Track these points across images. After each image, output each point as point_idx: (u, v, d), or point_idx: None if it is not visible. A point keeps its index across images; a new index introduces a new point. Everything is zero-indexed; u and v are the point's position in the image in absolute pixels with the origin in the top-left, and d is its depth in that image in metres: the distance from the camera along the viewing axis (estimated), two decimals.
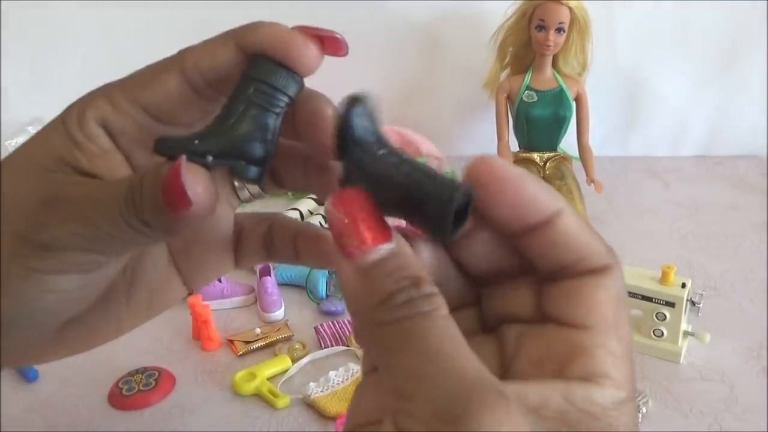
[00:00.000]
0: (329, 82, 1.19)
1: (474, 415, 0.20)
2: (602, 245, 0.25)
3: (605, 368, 0.23)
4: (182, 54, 0.30)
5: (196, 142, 0.26)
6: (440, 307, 0.22)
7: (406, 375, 0.21)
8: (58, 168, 0.27)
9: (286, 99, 0.27)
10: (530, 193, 0.23)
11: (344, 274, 0.22)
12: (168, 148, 0.25)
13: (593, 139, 0.93)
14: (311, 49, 0.28)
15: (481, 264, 0.25)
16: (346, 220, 0.22)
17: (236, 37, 0.29)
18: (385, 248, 0.22)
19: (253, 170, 0.26)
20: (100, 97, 0.29)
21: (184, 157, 0.24)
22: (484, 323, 0.26)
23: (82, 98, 0.29)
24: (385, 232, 0.22)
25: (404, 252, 0.22)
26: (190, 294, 0.58)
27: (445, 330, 0.21)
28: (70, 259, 0.27)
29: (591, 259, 0.24)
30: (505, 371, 0.24)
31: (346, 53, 0.29)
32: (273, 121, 0.27)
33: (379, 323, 0.21)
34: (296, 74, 0.28)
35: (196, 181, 0.24)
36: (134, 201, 0.25)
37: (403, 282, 0.21)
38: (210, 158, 0.25)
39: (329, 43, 0.29)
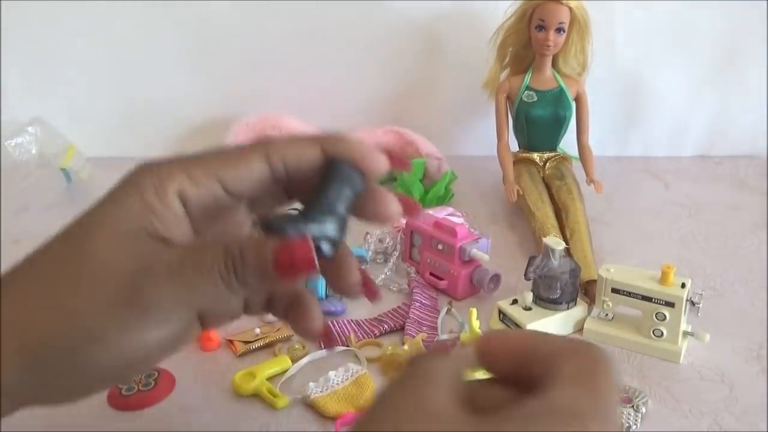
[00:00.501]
0: (330, 82, 1.20)
1: None
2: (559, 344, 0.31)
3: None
4: (269, 144, 0.35)
5: (301, 223, 0.34)
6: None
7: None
8: (140, 234, 0.32)
9: (353, 195, 0.36)
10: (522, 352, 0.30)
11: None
12: (279, 226, 0.33)
13: (593, 139, 0.93)
14: (382, 162, 0.36)
15: None
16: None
17: (324, 143, 0.35)
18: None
19: (331, 249, 0.35)
20: (178, 170, 0.33)
21: (310, 237, 0.33)
22: None
23: (155, 170, 0.34)
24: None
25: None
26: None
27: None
28: (167, 316, 0.32)
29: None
30: None
31: (410, 168, 0.39)
32: (346, 212, 0.36)
33: None
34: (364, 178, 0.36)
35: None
36: (234, 265, 0.32)
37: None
38: (310, 237, 0.33)
39: (395, 159, 0.37)
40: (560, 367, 0.28)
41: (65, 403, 0.36)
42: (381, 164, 0.36)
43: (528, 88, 0.91)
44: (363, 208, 0.36)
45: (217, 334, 0.65)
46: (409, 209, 0.38)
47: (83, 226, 0.33)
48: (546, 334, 0.31)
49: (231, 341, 0.65)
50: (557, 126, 0.92)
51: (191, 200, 0.33)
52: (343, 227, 0.36)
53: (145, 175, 0.33)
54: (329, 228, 0.34)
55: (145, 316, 0.32)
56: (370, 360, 0.64)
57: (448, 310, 0.71)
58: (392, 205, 0.37)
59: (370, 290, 0.39)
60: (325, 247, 0.34)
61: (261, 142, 0.35)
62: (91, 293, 0.31)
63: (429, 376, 0.28)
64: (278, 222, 0.33)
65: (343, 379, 0.60)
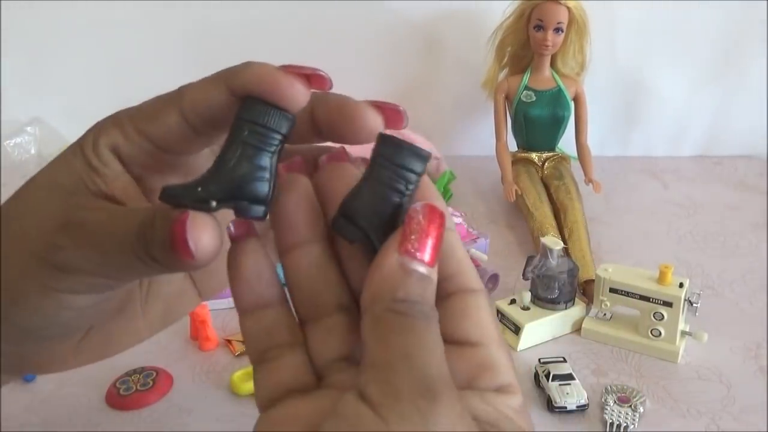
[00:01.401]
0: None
1: (439, 406, 0.23)
2: (472, 269, 0.28)
3: (508, 379, 0.27)
4: (181, 91, 0.31)
5: (199, 189, 0.27)
6: (437, 321, 0.25)
7: (397, 353, 0.24)
8: (79, 190, 0.29)
9: (279, 137, 0.28)
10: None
11: (386, 263, 0.25)
12: (173, 197, 0.26)
13: (592, 139, 0.93)
14: (297, 87, 0.28)
15: None
16: (428, 230, 0.26)
17: (226, 78, 0.29)
18: (431, 270, 0.26)
19: (257, 209, 0.28)
20: (111, 125, 0.30)
21: (189, 212, 0.26)
22: None
23: (97, 124, 0.30)
24: (436, 259, 0.26)
25: (435, 281, 0.26)
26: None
27: (435, 335, 0.25)
28: (83, 281, 0.29)
29: (465, 280, 0.27)
30: None
31: (331, 87, 0.31)
32: (269, 160, 0.28)
33: (391, 310, 0.25)
34: (287, 112, 0.28)
35: (200, 231, 0.26)
36: (146, 238, 0.27)
37: (424, 298, 0.25)
38: (213, 203, 0.26)
39: (315, 80, 0.30)
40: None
41: (12, 374, 0.34)
42: (295, 90, 0.28)
43: (526, 87, 0.91)
44: (330, 128, 0.30)
45: (215, 334, 0.66)
46: (392, 117, 0.30)
47: (26, 183, 0.30)
48: None
49: (229, 341, 0.65)
50: (556, 126, 0.92)
51: (126, 156, 0.30)
52: (266, 177, 0.28)
53: (90, 131, 0.30)
54: (244, 183, 0.27)
55: (62, 277, 0.28)
56: None
57: None
58: (368, 117, 0.30)
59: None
60: (253, 210, 0.27)
61: (178, 90, 0.31)
62: (14, 251, 0.29)
63: None
64: (173, 190, 0.26)
65: None
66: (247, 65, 0.29)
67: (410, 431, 0.22)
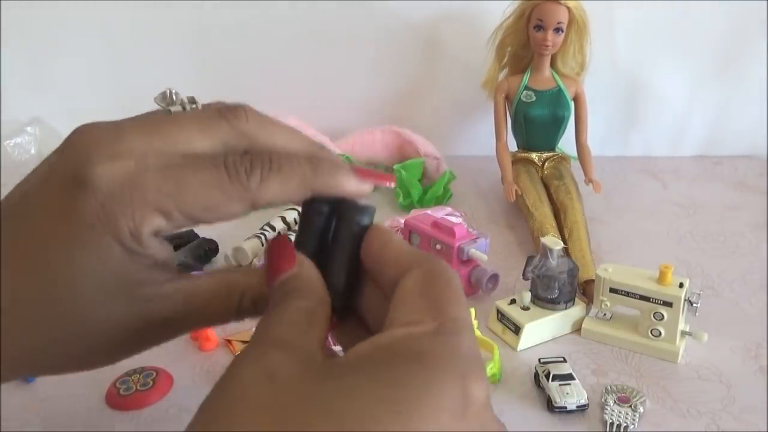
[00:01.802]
0: (329, 81, 1.20)
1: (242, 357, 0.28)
2: (415, 255, 0.32)
3: (409, 318, 0.28)
4: (254, 190, 0.32)
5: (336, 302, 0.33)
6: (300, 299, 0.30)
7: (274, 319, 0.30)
8: (126, 287, 0.31)
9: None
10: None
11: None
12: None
13: (592, 139, 0.93)
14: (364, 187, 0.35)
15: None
16: (270, 257, 0.32)
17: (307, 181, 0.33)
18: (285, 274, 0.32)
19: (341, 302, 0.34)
20: (153, 211, 0.30)
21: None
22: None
23: (128, 203, 0.30)
24: (286, 266, 0.32)
25: (300, 274, 0.32)
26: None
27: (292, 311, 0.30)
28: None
29: (401, 269, 0.31)
30: None
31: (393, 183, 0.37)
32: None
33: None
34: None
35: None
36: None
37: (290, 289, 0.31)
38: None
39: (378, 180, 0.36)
40: (407, 283, 0.30)
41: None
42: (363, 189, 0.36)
43: (526, 88, 0.91)
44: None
45: (215, 334, 0.66)
46: (379, 179, 0.35)
47: (64, 276, 0.30)
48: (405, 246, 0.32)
49: (229, 341, 0.65)
50: (556, 126, 0.92)
51: (164, 232, 0.32)
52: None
53: (119, 220, 0.29)
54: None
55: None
56: None
57: None
58: (345, 180, 0.34)
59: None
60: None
61: (248, 188, 0.32)
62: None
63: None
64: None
65: None
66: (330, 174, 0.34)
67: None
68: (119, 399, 0.58)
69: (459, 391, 0.26)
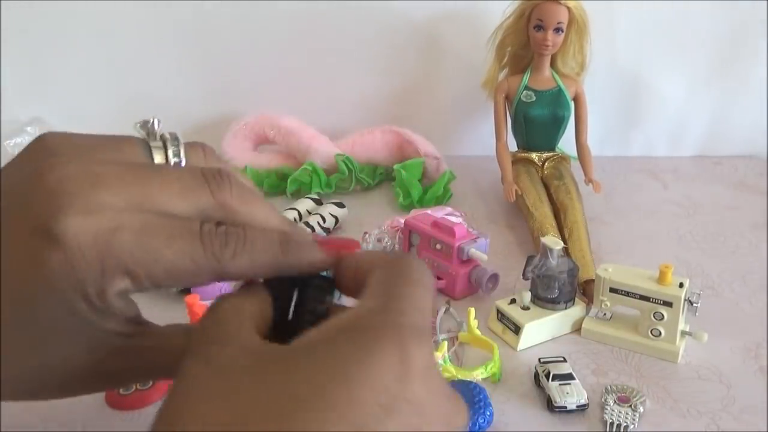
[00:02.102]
0: (329, 81, 1.19)
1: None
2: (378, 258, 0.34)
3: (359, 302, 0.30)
4: (225, 263, 0.32)
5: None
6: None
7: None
8: (99, 337, 0.31)
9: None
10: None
11: None
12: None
13: (592, 139, 0.93)
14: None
15: None
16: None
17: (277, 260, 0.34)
18: None
19: None
20: (121, 274, 0.30)
21: None
22: None
23: (98, 267, 0.29)
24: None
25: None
26: (187, 293, 0.58)
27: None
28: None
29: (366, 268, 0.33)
30: None
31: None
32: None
33: None
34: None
35: None
36: None
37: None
38: None
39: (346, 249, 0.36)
40: (369, 280, 0.30)
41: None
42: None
43: (526, 87, 0.91)
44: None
45: None
46: (346, 247, 0.35)
47: (26, 320, 0.29)
48: (370, 252, 0.34)
49: None
50: (556, 126, 0.92)
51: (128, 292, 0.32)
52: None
53: (85, 274, 0.29)
54: None
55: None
56: None
57: (446, 310, 0.71)
58: (312, 257, 0.34)
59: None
60: None
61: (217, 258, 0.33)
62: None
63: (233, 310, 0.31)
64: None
65: None
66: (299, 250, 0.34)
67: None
68: (119, 398, 0.58)
69: (397, 356, 0.26)
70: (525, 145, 0.94)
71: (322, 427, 0.24)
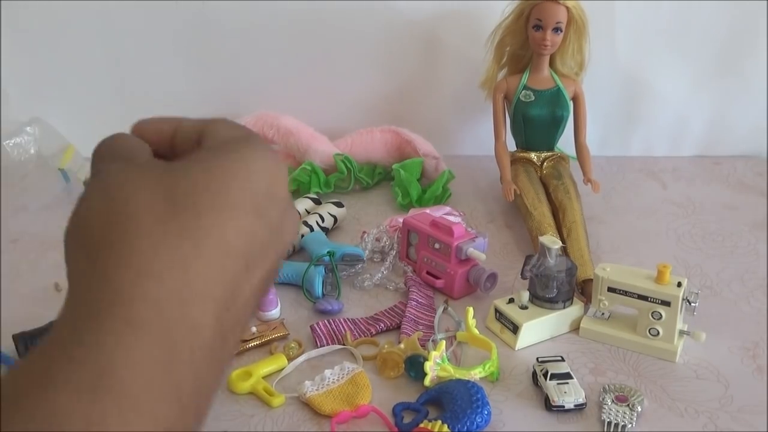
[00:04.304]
0: (328, 81, 1.19)
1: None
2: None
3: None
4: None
5: None
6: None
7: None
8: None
9: None
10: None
11: None
12: None
13: (591, 139, 0.93)
14: None
15: None
16: None
17: None
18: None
19: None
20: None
21: None
22: None
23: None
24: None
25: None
26: None
27: None
28: None
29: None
30: None
31: None
32: None
33: None
34: None
35: None
36: None
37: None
38: None
39: None
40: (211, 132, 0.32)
41: None
42: None
43: (525, 87, 0.91)
44: None
45: None
46: None
47: None
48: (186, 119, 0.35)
49: None
50: (555, 125, 0.92)
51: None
52: None
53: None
54: None
55: None
56: (366, 358, 0.64)
57: (445, 309, 0.71)
58: None
59: None
60: None
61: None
62: None
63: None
64: None
65: (339, 378, 0.60)
66: None
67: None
68: None
69: (267, 167, 0.30)
70: (524, 144, 0.94)
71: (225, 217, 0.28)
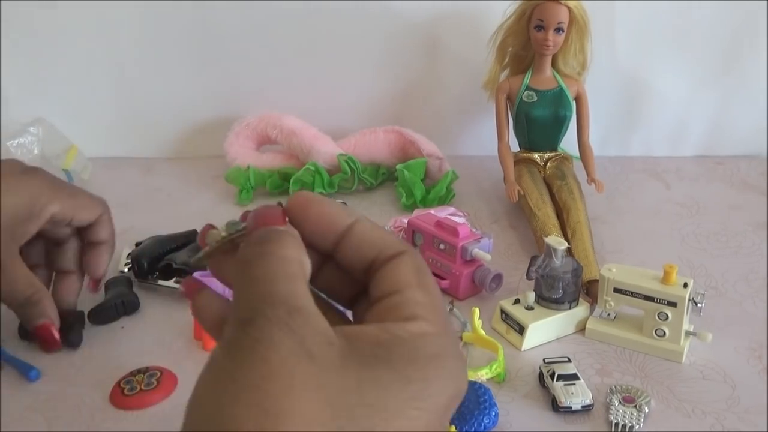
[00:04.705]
0: (331, 81, 1.19)
1: (253, 325, 0.26)
2: (393, 238, 0.33)
3: (414, 311, 0.30)
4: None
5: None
6: (276, 257, 0.29)
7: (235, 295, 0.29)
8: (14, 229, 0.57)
9: None
10: (328, 211, 0.32)
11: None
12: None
13: (593, 139, 0.93)
14: None
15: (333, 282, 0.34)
16: (259, 220, 0.31)
17: None
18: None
19: None
20: (55, 201, 0.59)
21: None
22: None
23: (44, 194, 0.58)
24: (281, 221, 0.32)
25: (284, 233, 0.31)
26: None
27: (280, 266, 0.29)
28: None
29: (387, 250, 0.32)
30: None
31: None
32: None
33: (238, 267, 0.30)
34: None
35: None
36: (21, 310, 0.59)
37: (264, 247, 0.30)
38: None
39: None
40: (392, 273, 0.31)
41: None
42: None
43: (528, 88, 0.91)
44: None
45: None
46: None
47: None
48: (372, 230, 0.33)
49: None
50: (558, 126, 0.92)
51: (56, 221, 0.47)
52: None
53: (38, 194, 0.56)
54: None
55: None
56: None
57: (450, 310, 0.70)
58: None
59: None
60: None
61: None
62: None
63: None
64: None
65: None
66: None
67: (230, 348, 0.26)
68: (123, 399, 0.58)
69: (454, 387, 0.29)
70: (527, 145, 0.94)
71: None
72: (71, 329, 0.64)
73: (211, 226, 0.34)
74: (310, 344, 0.26)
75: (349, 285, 0.34)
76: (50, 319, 0.60)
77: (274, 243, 0.30)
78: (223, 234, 0.32)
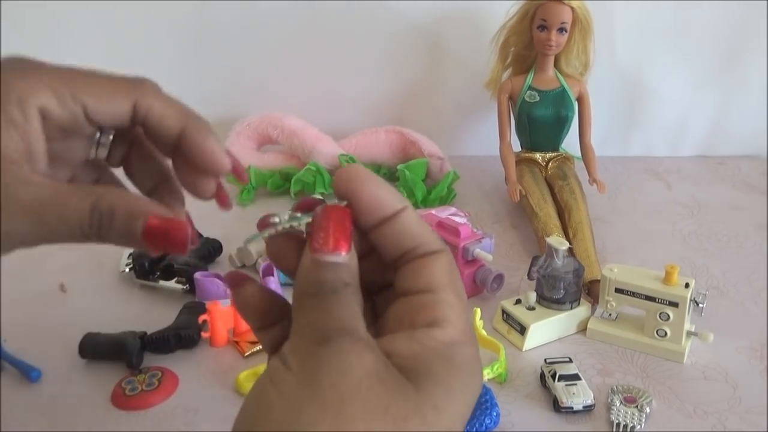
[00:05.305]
0: (332, 82, 1.19)
1: (328, 348, 0.28)
2: (434, 236, 0.33)
3: (445, 314, 0.31)
4: (143, 89, 0.39)
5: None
6: (350, 291, 0.30)
7: (306, 321, 0.30)
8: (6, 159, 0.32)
9: None
10: (381, 192, 0.32)
11: (304, 261, 0.31)
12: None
13: (594, 139, 0.93)
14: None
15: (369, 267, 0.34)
16: (327, 226, 0.31)
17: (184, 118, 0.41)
18: (341, 256, 0.31)
19: None
20: (44, 87, 0.35)
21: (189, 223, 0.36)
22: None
23: (21, 81, 0.35)
24: (345, 245, 0.31)
25: (349, 263, 0.31)
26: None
27: (343, 302, 0.30)
28: (18, 242, 0.33)
29: (426, 246, 0.32)
30: (376, 328, 0.33)
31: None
32: None
33: (306, 293, 0.30)
34: None
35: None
36: (100, 225, 0.32)
37: (336, 277, 0.30)
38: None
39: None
40: (432, 277, 0.32)
41: None
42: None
43: (530, 88, 0.91)
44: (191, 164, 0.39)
45: (227, 333, 0.66)
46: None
47: None
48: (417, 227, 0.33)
49: (237, 342, 0.65)
50: (559, 126, 0.92)
51: (51, 119, 0.34)
52: None
53: (9, 86, 0.34)
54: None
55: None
56: None
57: None
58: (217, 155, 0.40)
59: (222, 198, 0.42)
60: None
61: (136, 84, 0.38)
62: None
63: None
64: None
65: None
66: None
67: (306, 370, 0.28)
68: (125, 399, 0.58)
69: (473, 392, 0.31)
70: (529, 145, 0.94)
71: None
72: (133, 353, 0.61)
73: (270, 215, 0.34)
74: (377, 367, 0.28)
75: (381, 275, 0.34)
76: (150, 210, 0.34)
77: (343, 273, 0.31)
78: (285, 224, 0.33)
